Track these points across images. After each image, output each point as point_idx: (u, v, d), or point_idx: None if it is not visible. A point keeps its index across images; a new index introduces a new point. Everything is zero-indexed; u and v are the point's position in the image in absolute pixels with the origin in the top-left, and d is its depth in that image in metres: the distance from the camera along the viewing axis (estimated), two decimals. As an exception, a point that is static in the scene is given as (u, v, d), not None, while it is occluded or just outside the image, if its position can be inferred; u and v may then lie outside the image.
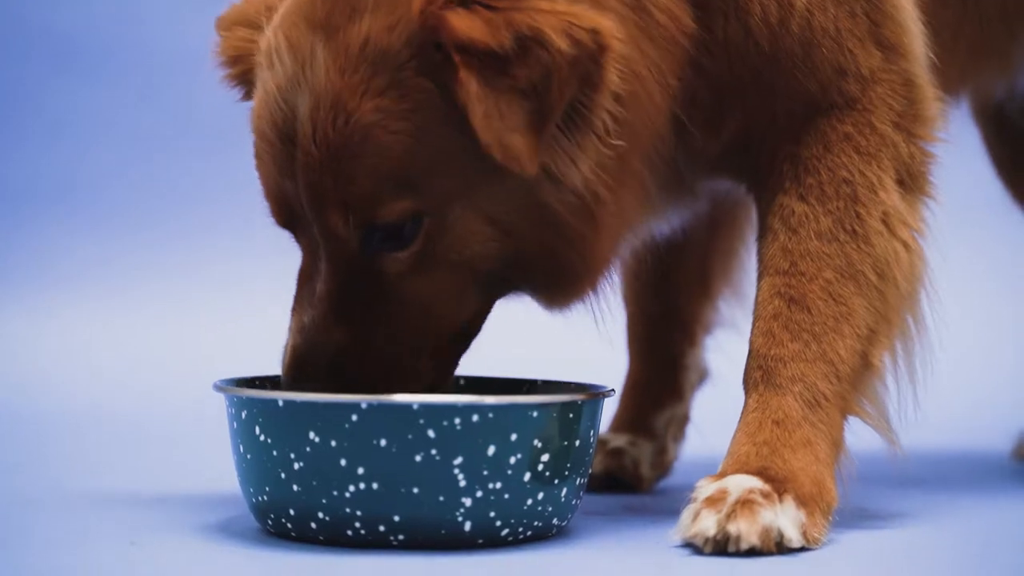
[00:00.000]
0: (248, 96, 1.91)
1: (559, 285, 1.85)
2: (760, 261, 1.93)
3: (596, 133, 1.77)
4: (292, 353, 1.80)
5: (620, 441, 2.24)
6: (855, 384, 1.87)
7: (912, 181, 1.94)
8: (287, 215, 1.81)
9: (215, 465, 2.06)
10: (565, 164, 1.77)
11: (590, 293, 1.87)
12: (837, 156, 1.90)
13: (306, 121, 1.75)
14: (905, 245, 1.91)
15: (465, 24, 1.69)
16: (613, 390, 1.86)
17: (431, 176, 1.75)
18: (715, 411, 2.20)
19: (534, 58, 1.69)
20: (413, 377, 1.80)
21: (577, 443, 1.77)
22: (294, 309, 1.82)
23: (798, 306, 1.87)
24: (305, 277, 1.82)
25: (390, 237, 1.76)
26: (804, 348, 1.85)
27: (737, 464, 1.80)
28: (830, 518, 1.80)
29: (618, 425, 2.29)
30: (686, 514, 1.75)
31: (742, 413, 1.86)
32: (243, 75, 1.90)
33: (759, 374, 1.86)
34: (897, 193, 1.92)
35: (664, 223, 2.10)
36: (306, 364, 1.78)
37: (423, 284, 1.79)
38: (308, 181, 1.75)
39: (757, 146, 1.94)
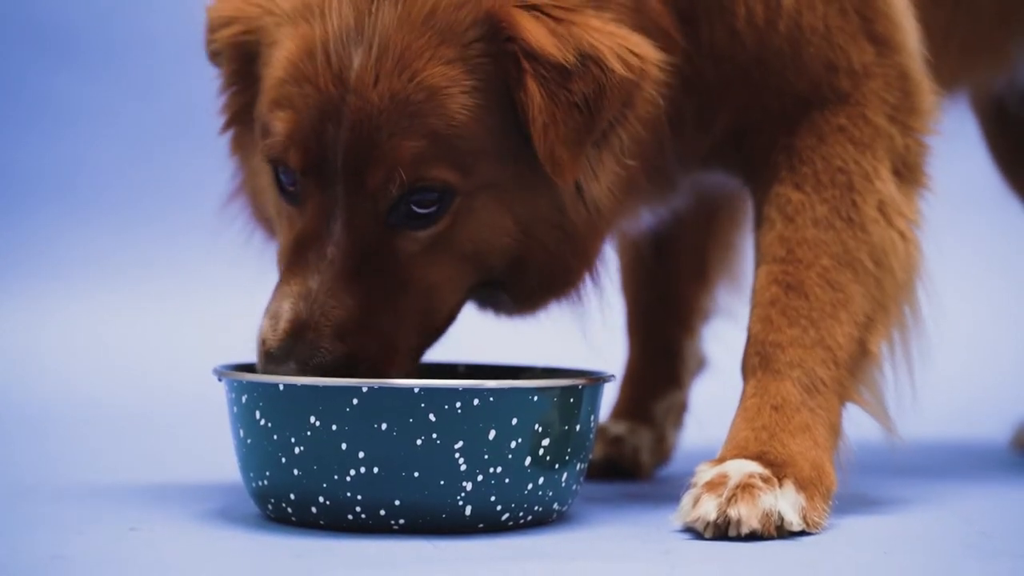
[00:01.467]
0: (232, 61, 1.88)
1: (548, 286, 1.87)
2: (757, 249, 1.93)
3: (614, 151, 1.82)
4: (292, 318, 1.77)
5: (620, 429, 2.24)
6: (853, 371, 1.87)
7: (908, 172, 1.94)
8: (314, 163, 1.77)
9: (215, 452, 2.06)
10: (589, 177, 1.82)
11: (570, 294, 1.90)
12: (831, 146, 1.91)
13: (368, 69, 1.74)
14: (901, 234, 1.92)
15: (535, 31, 1.74)
16: (613, 375, 1.86)
17: (477, 157, 1.77)
18: (713, 400, 2.20)
19: (591, 76, 1.75)
20: (400, 358, 1.80)
21: (578, 428, 1.77)
22: (292, 272, 1.79)
23: (795, 292, 1.87)
24: (309, 240, 1.79)
25: (415, 214, 1.77)
26: (802, 334, 1.85)
27: (736, 449, 1.80)
28: (830, 502, 1.80)
29: (618, 413, 2.29)
30: (686, 499, 1.76)
31: (741, 399, 1.86)
32: (236, 37, 1.87)
33: (757, 360, 1.86)
34: (893, 183, 1.93)
35: (655, 215, 2.11)
36: (308, 330, 1.77)
37: (431, 269, 1.80)
38: (358, 129, 1.75)
39: (750, 139, 1.95)
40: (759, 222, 1.94)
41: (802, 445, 1.80)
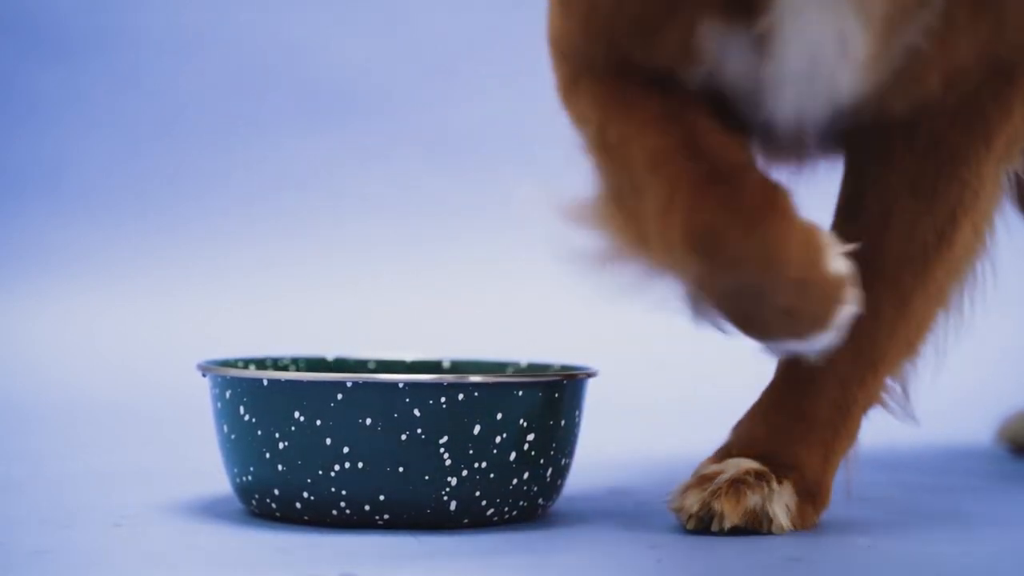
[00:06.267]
0: None
1: None
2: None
3: None
4: None
5: None
6: (890, 375, 1.80)
7: None
8: None
9: (199, 447, 2.06)
10: None
11: None
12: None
13: None
14: (975, 228, 1.80)
15: None
16: (598, 371, 1.86)
17: None
18: (714, 401, 2.19)
19: None
20: None
21: (563, 423, 1.77)
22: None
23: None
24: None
25: None
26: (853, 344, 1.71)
27: (744, 442, 1.78)
28: (818, 518, 1.77)
29: None
30: (676, 489, 1.75)
31: (768, 387, 1.80)
32: None
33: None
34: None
35: None
36: None
37: None
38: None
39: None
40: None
41: (812, 459, 1.76)
